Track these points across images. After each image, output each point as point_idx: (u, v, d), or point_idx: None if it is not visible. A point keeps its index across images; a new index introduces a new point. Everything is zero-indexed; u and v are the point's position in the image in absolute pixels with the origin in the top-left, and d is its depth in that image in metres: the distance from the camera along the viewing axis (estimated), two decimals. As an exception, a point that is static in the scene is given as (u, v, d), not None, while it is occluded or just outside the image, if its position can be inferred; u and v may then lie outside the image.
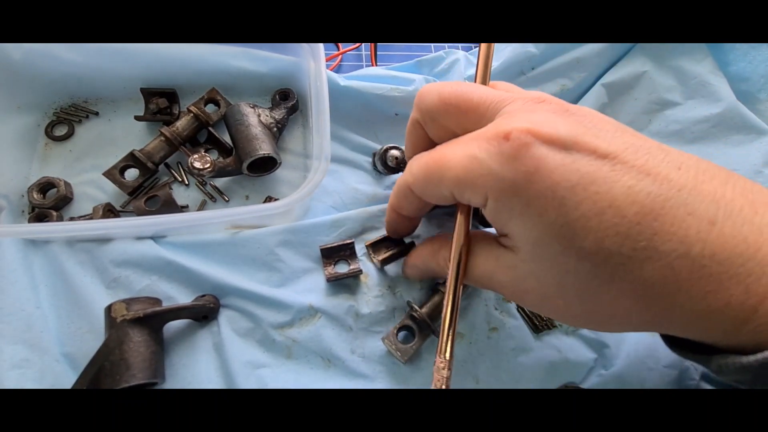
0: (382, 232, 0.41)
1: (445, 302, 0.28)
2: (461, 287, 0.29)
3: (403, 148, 0.41)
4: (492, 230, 0.31)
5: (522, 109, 0.24)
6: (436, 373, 0.28)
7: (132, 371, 0.32)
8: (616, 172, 0.21)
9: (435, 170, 0.26)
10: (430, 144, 0.30)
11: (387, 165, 0.41)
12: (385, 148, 0.41)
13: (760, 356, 0.19)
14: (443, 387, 0.27)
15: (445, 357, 0.28)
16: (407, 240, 0.40)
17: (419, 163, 0.28)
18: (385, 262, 0.38)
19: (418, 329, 0.36)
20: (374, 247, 0.39)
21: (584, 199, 0.21)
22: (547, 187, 0.22)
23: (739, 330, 0.20)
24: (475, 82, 0.31)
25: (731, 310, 0.20)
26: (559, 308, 0.25)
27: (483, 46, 0.31)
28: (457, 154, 0.25)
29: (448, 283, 0.29)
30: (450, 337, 0.28)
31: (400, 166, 0.41)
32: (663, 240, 0.20)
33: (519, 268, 0.25)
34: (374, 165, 0.44)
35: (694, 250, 0.20)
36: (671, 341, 0.27)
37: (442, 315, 0.28)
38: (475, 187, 0.24)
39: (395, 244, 0.39)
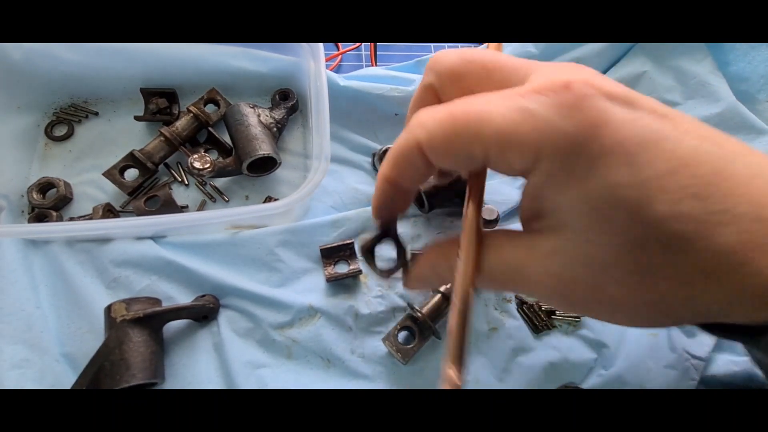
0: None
1: (452, 304, 0.23)
2: (473, 288, 0.23)
3: None
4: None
5: (562, 67, 0.21)
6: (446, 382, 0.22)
7: (132, 371, 0.32)
8: (679, 131, 0.19)
9: (467, 123, 0.21)
10: None
11: None
12: (384, 148, 0.41)
13: None
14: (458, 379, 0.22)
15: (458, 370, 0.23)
16: (410, 248, 0.38)
17: (438, 116, 0.22)
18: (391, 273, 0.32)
19: (418, 330, 0.36)
20: (369, 252, 0.32)
21: (656, 156, 0.19)
22: (617, 142, 0.19)
23: None
24: None
25: None
26: (615, 300, 0.21)
27: (492, 47, 0.29)
28: (498, 106, 0.20)
29: (455, 283, 0.23)
30: (462, 347, 0.23)
31: None
32: (736, 202, 0.18)
33: (566, 253, 0.21)
34: (374, 165, 0.44)
35: (766, 212, 0.18)
36: (711, 325, 0.24)
37: (449, 323, 0.23)
38: (526, 144, 0.20)
39: (395, 249, 0.33)
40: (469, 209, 0.24)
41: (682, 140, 0.19)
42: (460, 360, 0.22)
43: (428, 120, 0.22)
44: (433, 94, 0.26)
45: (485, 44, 0.30)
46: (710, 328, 0.24)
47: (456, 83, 0.24)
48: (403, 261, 0.30)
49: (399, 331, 0.36)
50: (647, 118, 0.19)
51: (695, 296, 0.20)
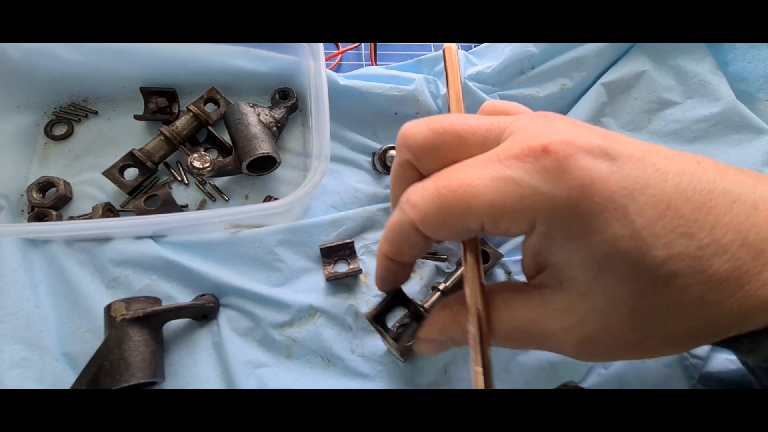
0: (381, 233, 0.41)
1: (475, 372, 0.23)
2: (489, 347, 0.24)
3: None
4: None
5: (535, 122, 0.22)
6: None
7: (132, 371, 0.32)
8: (659, 173, 0.20)
9: (456, 200, 0.22)
10: None
11: (386, 165, 0.41)
12: (384, 148, 0.41)
13: None
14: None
15: None
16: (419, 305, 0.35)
17: (427, 196, 0.23)
18: (409, 340, 0.32)
19: (418, 328, 0.36)
20: (378, 320, 0.33)
21: (644, 203, 0.20)
22: (607, 197, 0.20)
23: None
24: (448, 90, 0.27)
25: None
26: (635, 344, 0.22)
27: (446, 50, 0.27)
28: (482, 178, 0.21)
29: (472, 350, 0.24)
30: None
31: None
32: (721, 232, 0.20)
33: (579, 308, 0.22)
34: (373, 165, 0.44)
35: (750, 236, 0.20)
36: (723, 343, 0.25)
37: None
38: (519, 213, 0.21)
39: (405, 310, 0.34)
40: (468, 267, 0.25)
41: (664, 181, 0.20)
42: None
43: (418, 200, 0.23)
44: (412, 169, 0.26)
45: (441, 45, 0.29)
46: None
47: (432, 155, 0.24)
48: (415, 327, 0.31)
49: (398, 328, 0.36)
50: (628, 167, 0.20)
51: (705, 325, 0.21)
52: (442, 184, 0.22)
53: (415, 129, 0.24)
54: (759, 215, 0.20)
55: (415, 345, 0.30)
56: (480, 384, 0.23)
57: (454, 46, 0.28)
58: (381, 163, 0.41)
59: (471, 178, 0.22)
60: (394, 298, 0.32)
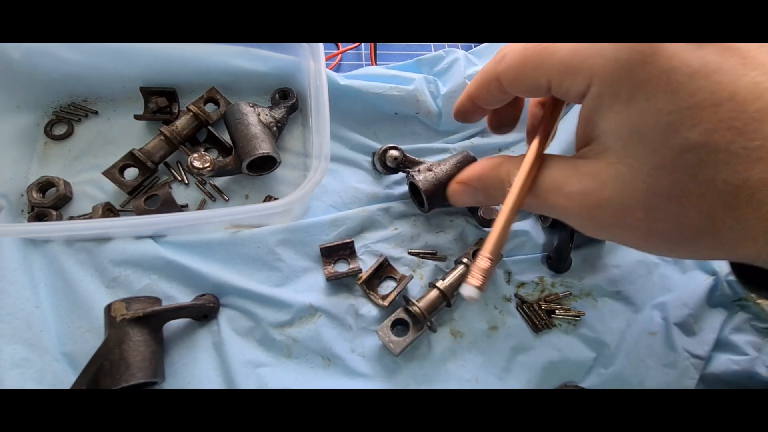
0: (381, 233, 0.41)
1: (504, 205, 0.26)
2: (526, 194, 0.26)
3: (401, 147, 0.41)
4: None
5: None
6: (474, 268, 0.25)
7: (132, 370, 0.32)
8: (745, 65, 0.19)
9: (535, 55, 0.24)
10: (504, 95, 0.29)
11: (386, 165, 0.41)
12: (384, 148, 0.41)
13: None
14: (479, 284, 0.24)
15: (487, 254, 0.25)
16: (407, 273, 0.40)
17: (515, 50, 0.26)
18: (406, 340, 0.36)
19: (412, 323, 0.36)
20: (368, 284, 0.38)
21: (702, 87, 0.19)
22: (664, 70, 0.20)
23: None
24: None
25: None
26: (638, 223, 0.22)
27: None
28: (561, 43, 0.23)
29: (511, 189, 0.26)
30: (501, 237, 0.26)
31: (399, 166, 0.40)
32: None
33: (601, 173, 0.22)
34: (373, 165, 0.43)
35: None
36: (743, 275, 0.25)
37: (496, 221, 0.26)
38: (581, 70, 0.22)
39: (394, 281, 0.39)
40: (539, 134, 0.27)
41: (744, 75, 0.19)
42: (497, 251, 0.25)
43: (507, 53, 0.26)
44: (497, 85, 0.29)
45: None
46: (744, 279, 0.25)
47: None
48: (410, 325, 0.36)
49: (393, 323, 0.36)
50: (709, 50, 0.20)
51: (719, 230, 0.20)
52: (529, 44, 0.25)
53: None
54: None
55: (449, 187, 0.34)
56: (501, 219, 0.26)
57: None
58: (381, 164, 0.41)
59: (552, 43, 0.24)
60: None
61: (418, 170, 0.39)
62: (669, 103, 0.20)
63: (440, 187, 0.37)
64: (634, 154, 0.21)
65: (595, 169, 0.23)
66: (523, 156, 0.27)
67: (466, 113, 0.33)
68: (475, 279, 0.25)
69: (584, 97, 0.23)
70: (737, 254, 0.21)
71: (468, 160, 0.38)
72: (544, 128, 0.28)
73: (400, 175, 0.44)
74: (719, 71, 0.19)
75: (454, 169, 0.38)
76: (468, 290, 0.25)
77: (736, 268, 0.27)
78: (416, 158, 0.41)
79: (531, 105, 0.33)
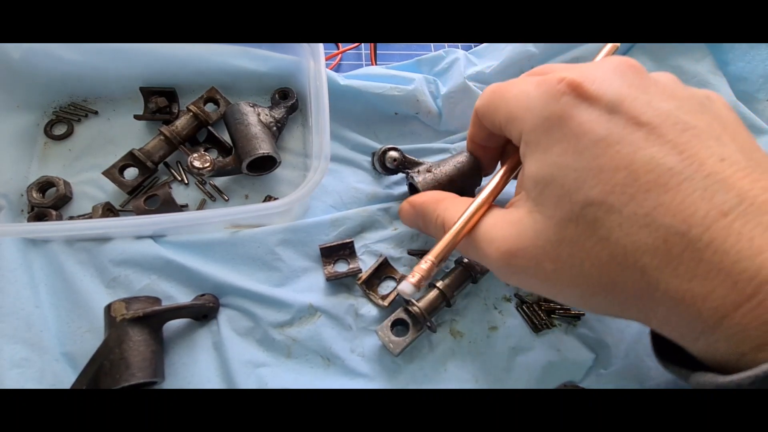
0: (381, 233, 0.41)
1: (444, 238, 0.28)
2: (461, 237, 0.28)
3: (401, 148, 0.41)
4: None
5: (594, 64, 0.26)
6: (416, 267, 0.28)
7: (131, 370, 0.32)
8: (647, 140, 0.22)
9: (495, 97, 0.28)
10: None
11: (386, 166, 0.41)
12: (384, 149, 0.40)
13: (735, 377, 0.19)
14: (415, 282, 0.27)
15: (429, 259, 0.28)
16: (407, 273, 0.39)
17: (489, 89, 0.30)
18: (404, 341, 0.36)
19: (412, 323, 0.36)
20: (368, 284, 0.39)
21: (604, 153, 0.22)
22: (575, 133, 0.23)
23: (717, 326, 0.20)
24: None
25: (713, 300, 0.19)
26: (548, 274, 0.24)
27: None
28: (516, 87, 0.27)
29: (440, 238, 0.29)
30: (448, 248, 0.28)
31: (398, 167, 0.40)
32: (665, 213, 0.20)
33: (522, 222, 0.25)
34: (373, 165, 0.43)
35: (694, 232, 0.20)
36: (658, 349, 0.26)
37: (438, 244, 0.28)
38: (517, 120, 0.26)
39: (394, 281, 0.40)
40: (490, 184, 0.30)
41: (644, 148, 0.21)
42: (441, 258, 0.28)
43: (485, 91, 0.30)
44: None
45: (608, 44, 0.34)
46: (658, 352, 0.27)
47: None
48: (410, 326, 0.36)
49: (393, 323, 0.36)
50: (616, 122, 0.22)
51: (613, 289, 0.22)
52: (498, 85, 0.29)
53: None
54: (720, 221, 0.20)
55: (400, 207, 0.37)
56: (441, 247, 0.28)
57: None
58: (380, 165, 0.41)
59: (512, 86, 0.28)
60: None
61: (418, 171, 0.39)
62: (575, 161, 0.23)
63: (439, 188, 0.37)
64: (547, 202, 0.24)
65: (517, 218, 0.25)
66: (470, 199, 0.30)
67: (476, 152, 0.37)
68: (413, 277, 0.27)
69: (519, 143, 0.27)
70: (632, 316, 0.23)
71: (470, 162, 0.38)
72: (498, 180, 0.30)
73: (400, 175, 0.44)
74: (621, 142, 0.22)
75: (454, 170, 0.38)
76: (403, 286, 0.27)
77: (652, 335, 0.27)
78: (416, 159, 0.41)
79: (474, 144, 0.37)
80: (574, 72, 0.24)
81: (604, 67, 0.25)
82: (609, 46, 0.32)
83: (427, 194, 0.35)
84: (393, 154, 0.40)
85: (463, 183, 0.37)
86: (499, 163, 0.34)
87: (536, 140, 0.25)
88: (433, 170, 0.38)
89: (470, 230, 0.28)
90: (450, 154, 0.44)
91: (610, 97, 0.23)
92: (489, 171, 0.38)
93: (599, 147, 0.22)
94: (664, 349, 0.26)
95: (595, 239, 0.22)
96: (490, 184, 0.30)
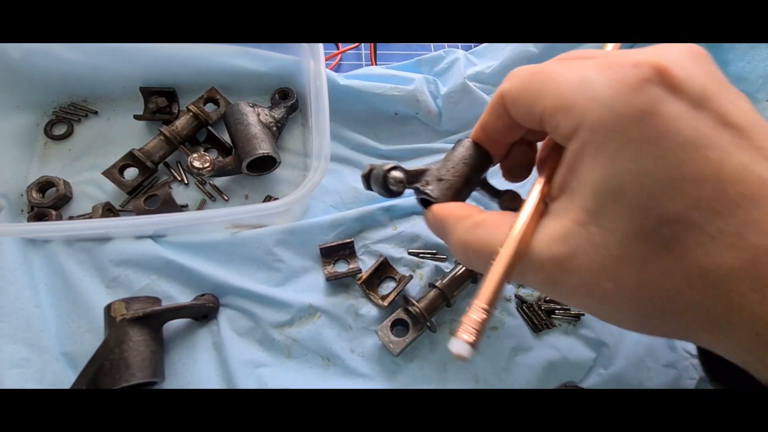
0: (381, 233, 0.41)
1: (499, 259, 0.22)
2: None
3: (403, 166, 0.32)
4: None
5: (667, 47, 0.21)
6: (466, 319, 0.21)
7: (131, 370, 0.32)
8: (735, 145, 0.19)
9: (537, 80, 0.23)
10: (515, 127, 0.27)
11: (389, 189, 0.31)
12: (383, 170, 0.31)
13: None
14: (471, 341, 0.21)
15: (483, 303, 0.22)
16: (407, 273, 0.39)
17: (523, 72, 0.24)
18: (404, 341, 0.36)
19: (412, 323, 0.36)
20: (368, 284, 0.38)
21: (690, 159, 0.19)
22: (658, 133, 0.19)
23: None
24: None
25: None
26: (607, 294, 0.21)
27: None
28: (569, 70, 0.22)
29: (499, 257, 0.22)
30: (498, 285, 0.22)
31: (404, 188, 0.32)
32: (757, 232, 0.18)
33: (572, 236, 0.21)
34: (367, 186, 0.33)
35: None
36: (709, 368, 0.24)
37: (491, 270, 0.22)
38: (573, 110, 0.21)
39: (394, 281, 0.39)
40: (536, 193, 0.24)
41: (733, 155, 0.18)
42: (494, 301, 0.22)
43: (515, 73, 0.25)
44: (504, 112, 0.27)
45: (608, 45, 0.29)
46: (707, 366, 0.24)
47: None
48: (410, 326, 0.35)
49: (393, 323, 0.36)
50: (704, 121, 0.19)
51: (681, 311, 0.20)
52: (537, 67, 0.24)
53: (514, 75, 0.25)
54: None
55: (427, 214, 0.30)
56: (496, 272, 0.22)
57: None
58: (382, 187, 0.32)
59: (562, 68, 0.22)
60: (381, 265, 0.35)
61: (426, 182, 0.32)
62: (656, 168, 0.19)
63: (458, 193, 0.32)
64: (611, 215, 0.20)
65: (565, 231, 0.21)
66: (499, 214, 0.25)
67: (484, 143, 0.30)
68: (467, 333, 0.21)
69: (570, 139, 0.22)
70: (697, 339, 0.21)
71: (477, 154, 0.31)
72: (539, 195, 0.24)
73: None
74: (710, 146, 0.19)
75: (465, 168, 0.31)
76: (458, 346, 0.20)
77: (702, 353, 0.25)
78: (416, 168, 0.34)
79: (541, 150, 0.30)
80: (653, 55, 0.20)
81: (682, 51, 0.21)
82: (611, 46, 0.29)
83: (449, 210, 0.28)
84: (397, 174, 0.31)
85: (475, 178, 0.32)
86: (536, 168, 0.27)
87: (603, 139, 0.20)
88: (443, 176, 0.32)
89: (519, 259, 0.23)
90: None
91: (698, 89, 0.19)
92: (497, 162, 0.31)
93: (685, 151, 0.19)
94: (714, 365, 0.24)
95: (670, 258, 0.19)
96: (529, 200, 0.24)
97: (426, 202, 0.32)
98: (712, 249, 0.18)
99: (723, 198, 0.18)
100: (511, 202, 0.33)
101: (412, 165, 0.45)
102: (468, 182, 0.32)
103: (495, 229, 0.24)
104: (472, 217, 0.26)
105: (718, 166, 0.18)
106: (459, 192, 0.32)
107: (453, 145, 0.42)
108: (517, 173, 0.31)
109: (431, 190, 0.31)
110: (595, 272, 0.21)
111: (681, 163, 0.19)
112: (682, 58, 0.20)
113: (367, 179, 0.33)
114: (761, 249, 0.18)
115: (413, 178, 0.33)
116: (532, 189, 0.24)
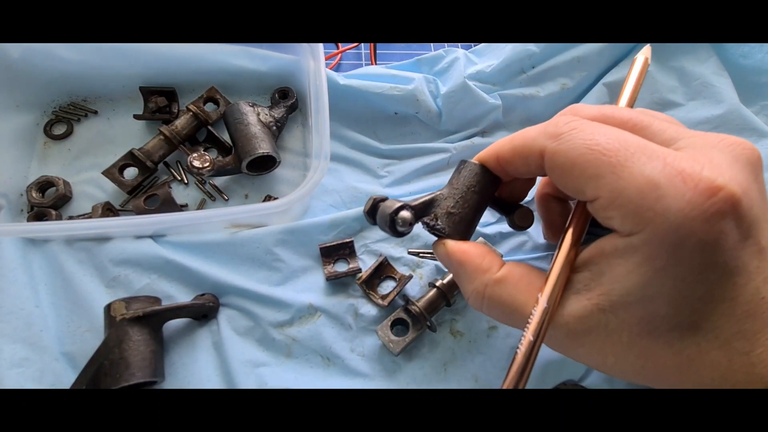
0: (381, 233, 0.41)
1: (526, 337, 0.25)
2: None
3: (409, 200, 0.30)
4: None
5: (710, 151, 0.21)
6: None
7: (131, 370, 0.32)
8: (758, 269, 0.20)
9: (595, 161, 0.21)
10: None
11: (396, 230, 0.29)
12: (392, 210, 0.28)
13: None
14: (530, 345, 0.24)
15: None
16: (407, 272, 0.39)
17: (577, 139, 0.22)
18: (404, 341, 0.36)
19: (412, 323, 0.36)
20: (368, 284, 0.38)
21: (721, 284, 0.20)
22: (708, 264, 0.20)
23: None
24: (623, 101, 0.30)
25: None
26: (608, 364, 0.23)
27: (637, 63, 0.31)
28: (635, 166, 0.20)
29: (534, 320, 0.24)
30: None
31: (412, 228, 0.30)
32: (745, 342, 0.20)
33: (589, 317, 0.22)
34: (371, 221, 0.32)
35: None
36: None
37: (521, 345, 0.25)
38: (636, 217, 0.20)
39: (393, 282, 0.39)
40: (568, 238, 0.25)
41: (754, 280, 0.20)
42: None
43: (565, 134, 0.23)
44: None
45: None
46: None
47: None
48: (409, 326, 0.36)
49: (393, 323, 0.36)
50: (747, 252, 0.20)
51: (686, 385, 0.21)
52: (596, 143, 0.22)
53: (582, 108, 0.26)
54: None
55: (438, 247, 0.30)
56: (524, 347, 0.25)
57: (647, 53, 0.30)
58: (389, 227, 0.29)
59: (623, 156, 0.21)
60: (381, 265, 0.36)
61: (435, 216, 0.30)
62: (690, 291, 0.20)
63: (470, 225, 0.30)
64: (632, 313, 0.21)
65: (585, 312, 0.22)
66: (521, 268, 0.26)
67: (497, 171, 0.29)
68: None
69: (619, 236, 0.21)
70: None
71: (484, 178, 0.30)
72: (574, 233, 0.25)
73: (401, 173, 0.44)
74: (742, 274, 0.20)
75: (475, 197, 0.30)
76: None
77: None
78: (422, 200, 0.30)
79: (541, 194, 0.32)
80: (724, 176, 0.20)
81: (746, 169, 0.21)
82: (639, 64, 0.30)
83: (466, 256, 0.28)
84: (406, 216, 0.29)
85: (485, 204, 0.31)
86: (570, 230, 0.26)
87: (655, 253, 0.20)
88: (452, 210, 0.30)
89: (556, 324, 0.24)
90: (449, 154, 0.44)
91: (752, 216, 0.20)
92: (507, 180, 0.30)
93: (722, 278, 0.20)
94: None
95: (673, 354, 0.21)
96: (555, 271, 0.24)
97: (435, 233, 0.31)
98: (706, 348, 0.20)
99: (732, 316, 0.20)
100: (522, 220, 0.33)
101: (412, 165, 0.45)
102: (478, 211, 0.30)
103: (516, 290, 0.25)
104: (491, 271, 0.26)
105: (740, 290, 0.20)
106: (470, 224, 0.30)
107: (453, 145, 0.42)
108: (513, 197, 0.33)
109: (441, 227, 0.30)
110: (602, 350, 0.22)
111: (712, 288, 0.20)
112: (747, 181, 0.21)
113: (372, 215, 0.31)
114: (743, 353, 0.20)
115: (420, 212, 0.30)
116: (557, 255, 0.24)
